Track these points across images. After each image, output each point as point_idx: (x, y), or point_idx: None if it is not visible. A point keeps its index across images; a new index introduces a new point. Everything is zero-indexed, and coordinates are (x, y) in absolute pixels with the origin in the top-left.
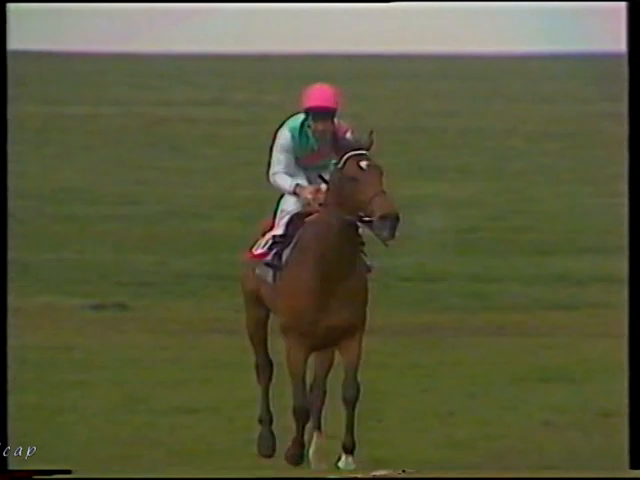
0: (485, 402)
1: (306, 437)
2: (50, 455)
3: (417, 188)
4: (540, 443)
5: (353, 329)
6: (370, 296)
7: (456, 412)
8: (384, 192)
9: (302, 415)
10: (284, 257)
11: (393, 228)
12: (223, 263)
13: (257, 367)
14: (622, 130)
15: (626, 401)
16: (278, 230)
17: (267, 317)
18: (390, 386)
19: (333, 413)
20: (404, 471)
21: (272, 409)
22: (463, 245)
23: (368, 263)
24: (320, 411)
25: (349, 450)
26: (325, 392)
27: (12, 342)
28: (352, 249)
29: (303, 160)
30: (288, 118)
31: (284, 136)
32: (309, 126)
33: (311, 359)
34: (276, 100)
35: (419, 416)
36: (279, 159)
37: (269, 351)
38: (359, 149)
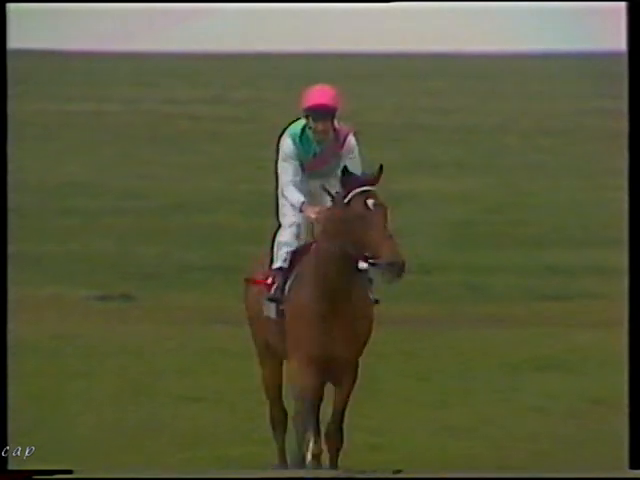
0: (481, 390)
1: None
2: (54, 442)
3: (415, 183)
4: (535, 430)
5: (349, 366)
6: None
7: (452, 400)
8: (391, 236)
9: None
10: (287, 289)
11: (400, 273)
12: (226, 255)
13: (272, 420)
14: (616, 126)
15: (619, 388)
16: (277, 263)
17: (281, 366)
18: (388, 375)
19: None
20: (400, 471)
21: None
22: (459, 238)
23: (371, 297)
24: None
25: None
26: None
27: (20, 331)
28: (351, 277)
29: (307, 166)
30: (288, 126)
31: (286, 144)
32: (310, 128)
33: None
34: (276, 98)
35: (416, 404)
36: (285, 168)
37: (284, 404)
38: (366, 185)
